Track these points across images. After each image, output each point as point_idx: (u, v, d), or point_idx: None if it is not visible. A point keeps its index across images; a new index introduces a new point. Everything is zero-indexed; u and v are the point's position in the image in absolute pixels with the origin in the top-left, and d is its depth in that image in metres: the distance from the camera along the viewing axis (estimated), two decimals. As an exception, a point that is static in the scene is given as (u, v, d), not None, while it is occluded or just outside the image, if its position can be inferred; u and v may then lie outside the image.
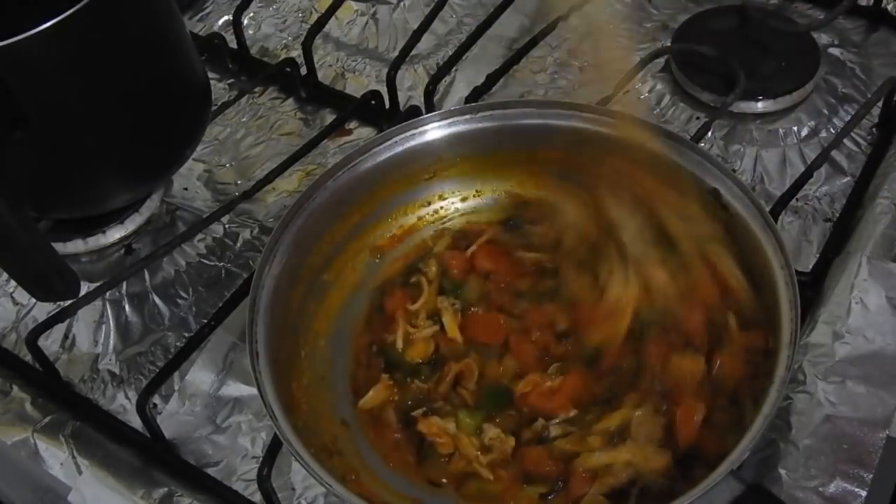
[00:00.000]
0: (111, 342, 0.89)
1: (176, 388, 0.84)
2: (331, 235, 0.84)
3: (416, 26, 1.05)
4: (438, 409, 0.76)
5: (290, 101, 1.08)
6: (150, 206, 0.97)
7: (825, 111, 1.00)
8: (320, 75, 1.09)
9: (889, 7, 1.08)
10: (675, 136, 0.81)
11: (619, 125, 0.82)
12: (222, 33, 1.11)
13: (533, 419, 0.74)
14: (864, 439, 0.71)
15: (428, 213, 0.89)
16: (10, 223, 0.71)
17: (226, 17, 1.18)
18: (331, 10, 1.08)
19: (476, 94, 0.99)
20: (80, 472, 0.78)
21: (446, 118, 0.85)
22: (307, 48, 1.06)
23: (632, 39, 1.10)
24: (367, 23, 1.17)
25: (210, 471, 0.79)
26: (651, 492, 0.69)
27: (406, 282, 0.84)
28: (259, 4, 1.19)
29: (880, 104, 0.96)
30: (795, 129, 0.99)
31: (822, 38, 1.05)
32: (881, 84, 0.96)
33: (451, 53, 1.04)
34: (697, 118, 1.00)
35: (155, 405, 0.83)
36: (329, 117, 1.05)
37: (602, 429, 0.72)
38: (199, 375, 0.84)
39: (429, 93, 1.00)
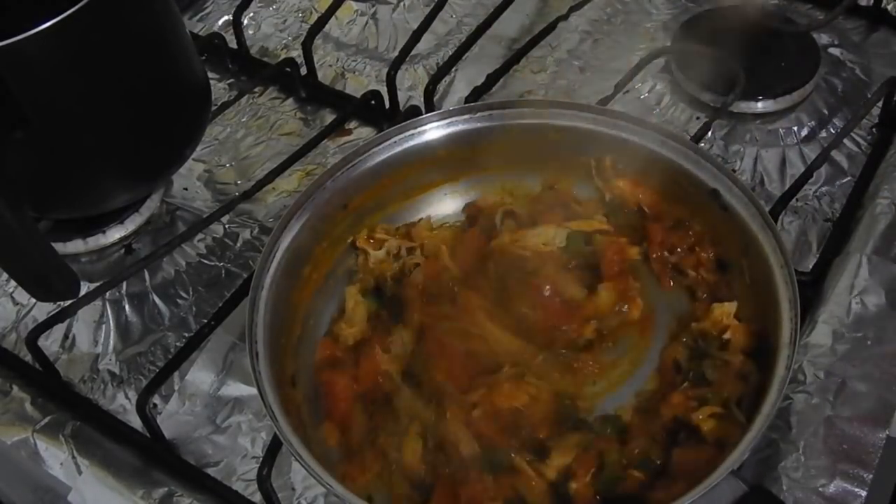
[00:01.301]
0: (111, 342, 0.89)
1: (176, 388, 0.84)
2: (331, 235, 0.84)
3: (416, 26, 1.05)
4: None
5: (290, 101, 1.08)
6: (150, 206, 0.97)
7: (825, 111, 1.00)
8: (320, 75, 1.09)
9: (889, 7, 1.08)
10: (676, 135, 0.81)
11: (619, 125, 0.82)
12: (222, 33, 1.11)
13: None
14: (864, 439, 0.71)
15: (428, 213, 0.89)
16: (10, 223, 0.71)
17: (226, 17, 1.18)
18: (331, 10, 1.08)
19: (476, 94, 0.99)
20: (80, 472, 0.78)
21: (446, 118, 0.85)
22: (307, 48, 1.06)
23: (632, 39, 1.10)
24: (367, 23, 1.17)
25: (210, 471, 0.79)
26: None
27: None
28: (259, 4, 1.19)
29: (880, 104, 0.96)
30: (795, 129, 0.99)
31: (822, 38, 1.05)
32: (881, 84, 0.96)
33: (451, 53, 1.04)
34: (697, 118, 1.00)
35: (155, 405, 0.83)
36: (329, 117, 1.05)
37: None
38: (199, 375, 0.84)
39: (429, 93, 1.00)
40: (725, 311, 0.76)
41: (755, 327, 0.75)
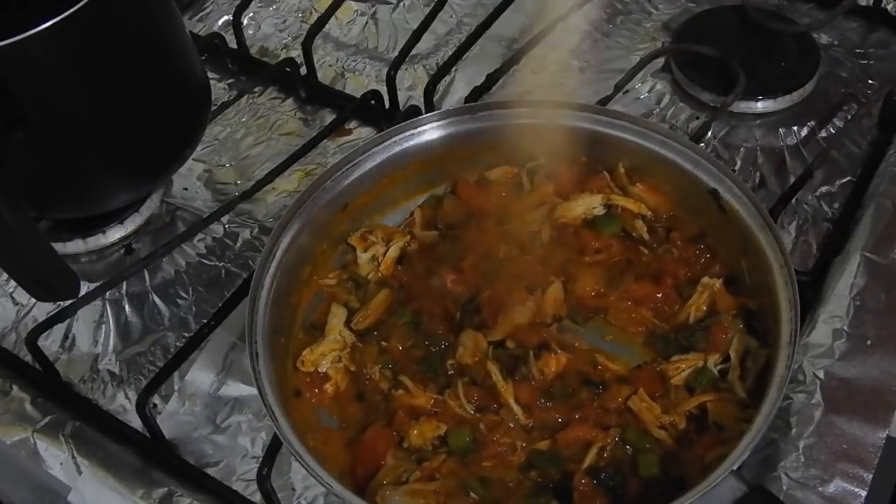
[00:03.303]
0: (111, 342, 0.89)
1: (176, 388, 0.84)
2: (331, 235, 0.84)
3: (416, 26, 1.05)
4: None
5: (290, 101, 1.08)
6: (150, 206, 0.97)
7: (825, 111, 1.00)
8: (320, 75, 1.09)
9: (889, 7, 1.08)
10: (675, 135, 0.81)
11: (619, 125, 0.82)
12: (222, 33, 1.11)
13: None
14: (864, 439, 0.71)
15: (428, 213, 0.89)
16: (10, 223, 0.71)
17: (226, 17, 1.18)
18: (331, 10, 1.08)
19: (476, 94, 0.99)
20: (80, 472, 0.78)
21: (446, 118, 0.85)
22: (307, 48, 1.06)
23: (632, 39, 1.10)
24: (367, 23, 1.17)
25: (210, 471, 0.79)
26: None
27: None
28: (259, 4, 1.19)
29: (880, 104, 0.96)
30: (795, 129, 0.99)
31: (822, 38, 1.06)
32: (881, 84, 0.96)
33: (450, 53, 1.04)
34: (697, 118, 1.01)
35: (155, 405, 0.83)
36: (329, 117, 1.05)
37: None
38: (199, 375, 0.84)
39: (428, 93, 1.00)
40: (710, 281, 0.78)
41: (747, 302, 0.76)
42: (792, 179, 0.92)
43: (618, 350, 0.78)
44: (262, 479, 0.73)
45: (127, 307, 0.91)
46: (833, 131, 0.98)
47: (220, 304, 0.85)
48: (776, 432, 0.73)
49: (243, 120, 1.07)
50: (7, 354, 0.88)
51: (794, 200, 0.90)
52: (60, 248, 0.93)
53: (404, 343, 0.79)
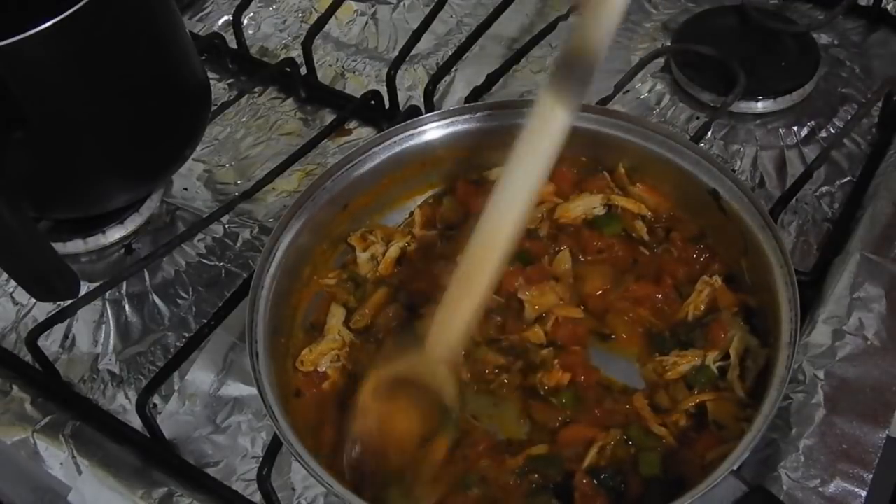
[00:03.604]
0: (111, 342, 0.89)
1: (176, 388, 0.84)
2: (331, 236, 0.84)
3: (416, 26, 1.05)
4: None
5: (290, 101, 1.08)
6: (150, 206, 0.97)
7: (825, 111, 1.00)
8: (320, 75, 1.09)
9: (889, 7, 1.08)
10: (675, 135, 0.81)
11: (619, 125, 0.82)
12: (222, 33, 1.11)
13: None
14: (864, 439, 0.71)
15: (428, 212, 0.89)
16: (10, 223, 0.71)
17: (226, 17, 1.18)
18: (331, 10, 1.08)
19: (476, 94, 0.99)
20: (79, 472, 0.78)
21: (446, 118, 0.85)
22: (307, 48, 1.06)
23: (632, 39, 1.10)
24: (367, 23, 1.17)
25: (210, 471, 0.79)
26: None
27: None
28: (259, 4, 1.19)
29: (880, 104, 0.96)
30: (795, 129, 0.99)
31: (822, 38, 1.05)
32: (881, 84, 0.96)
33: (450, 53, 1.04)
34: (697, 118, 1.01)
35: (155, 405, 0.83)
36: (329, 117, 1.05)
37: None
38: (199, 375, 0.84)
39: (428, 93, 1.00)
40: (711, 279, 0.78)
41: (748, 299, 0.76)
42: (792, 179, 0.92)
43: (618, 351, 0.78)
44: (262, 479, 0.73)
45: (127, 307, 0.91)
46: (833, 131, 0.98)
47: (220, 304, 0.85)
48: (776, 432, 0.73)
49: (243, 120, 1.07)
50: (7, 354, 0.88)
51: (794, 200, 0.90)
52: (60, 248, 0.93)
53: (398, 345, 0.79)
